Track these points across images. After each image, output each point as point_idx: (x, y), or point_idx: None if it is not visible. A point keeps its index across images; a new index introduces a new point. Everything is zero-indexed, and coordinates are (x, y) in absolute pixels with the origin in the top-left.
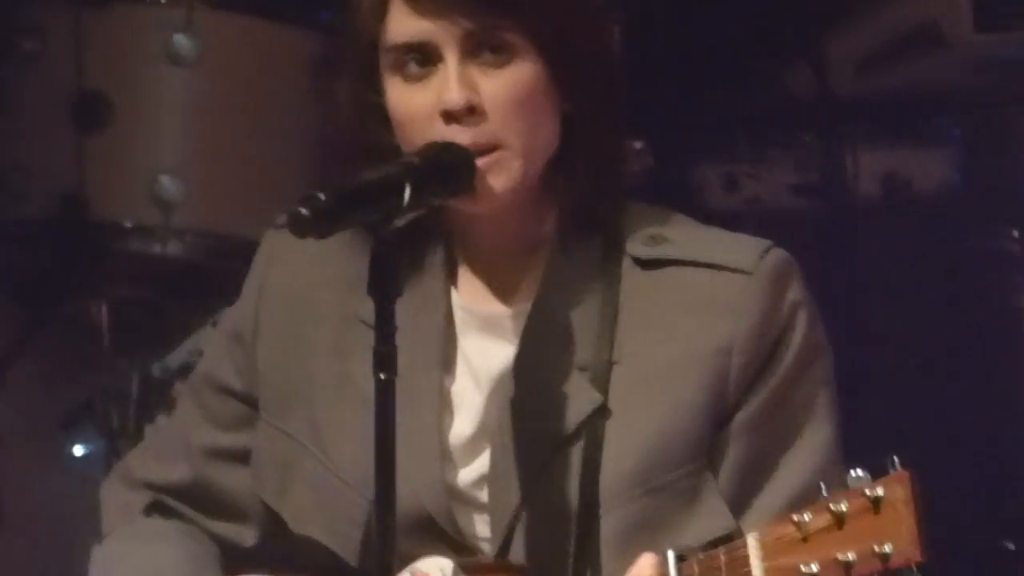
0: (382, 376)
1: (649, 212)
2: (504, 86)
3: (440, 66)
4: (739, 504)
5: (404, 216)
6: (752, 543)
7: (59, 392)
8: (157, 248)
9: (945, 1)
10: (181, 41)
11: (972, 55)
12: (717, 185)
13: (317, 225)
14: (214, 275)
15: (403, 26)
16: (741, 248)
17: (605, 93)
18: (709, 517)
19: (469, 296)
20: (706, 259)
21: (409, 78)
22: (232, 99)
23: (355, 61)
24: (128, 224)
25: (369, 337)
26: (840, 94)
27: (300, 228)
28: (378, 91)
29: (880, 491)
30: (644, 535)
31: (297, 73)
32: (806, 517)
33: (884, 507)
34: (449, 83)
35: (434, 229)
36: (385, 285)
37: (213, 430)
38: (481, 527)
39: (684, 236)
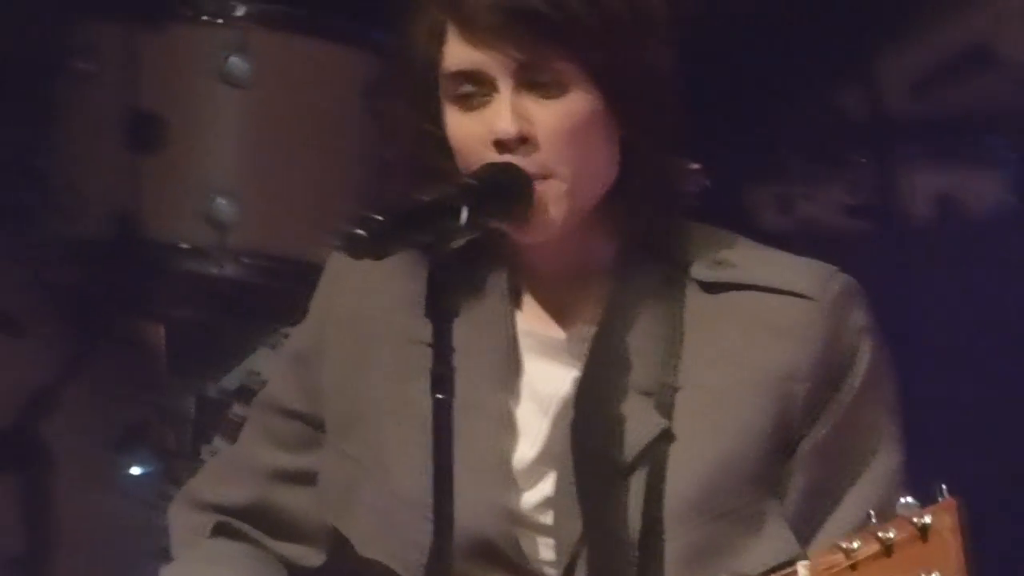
0: (439, 396)
1: (714, 235)
2: (557, 117)
3: (495, 95)
4: (805, 531)
5: (461, 238)
6: (802, 571)
7: (115, 413)
8: (212, 269)
9: (999, 21)
10: (236, 62)
11: None
12: (771, 206)
13: (373, 246)
14: (269, 296)
15: (458, 55)
16: (806, 273)
17: (663, 119)
18: (773, 543)
19: (533, 319)
20: (771, 283)
21: (465, 106)
22: (287, 120)
23: (413, 86)
24: (183, 245)
25: (428, 359)
26: (894, 115)
27: (356, 249)
28: (436, 115)
29: (928, 519)
30: (708, 561)
31: (351, 93)
32: (855, 544)
33: (932, 535)
34: (502, 113)
35: (497, 252)
36: (442, 306)
37: (277, 451)
38: (545, 551)
39: (749, 260)
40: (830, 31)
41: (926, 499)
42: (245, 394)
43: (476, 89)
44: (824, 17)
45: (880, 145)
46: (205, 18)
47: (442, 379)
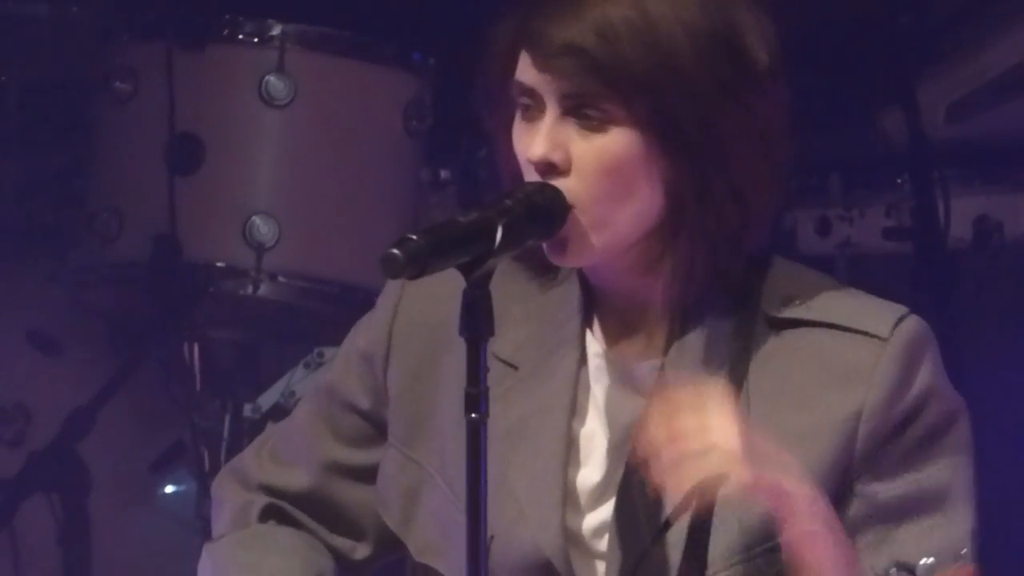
0: (472, 416)
1: (788, 270)
2: (593, 152)
3: (544, 115)
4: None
5: (497, 258)
6: None
7: (151, 433)
8: (249, 290)
9: None
10: (274, 82)
11: None
12: (810, 229)
13: (409, 267)
14: (306, 317)
15: (522, 68)
16: (878, 313)
17: (720, 171)
18: None
19: (604, 342)
20: (841, 322)
21: (524, 116)
22: (324, 140)
23: (494, 88)
24: (220, 265)
25: (502, 373)
26: (932, 138)
27: (392, 270)
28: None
29: None
30: None
31: (390, 114)
32: None
33: None
34: (538, 136)
35: (572, 270)
36: (476, 327)
37: (337, 444)
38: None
39: (821, 297)
40: (869, 54)
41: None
42: (280, 413)
43: (532, 104)
44: (863, 40)
45: (918, 168)
46: (242, 38)
47: (475, 398)
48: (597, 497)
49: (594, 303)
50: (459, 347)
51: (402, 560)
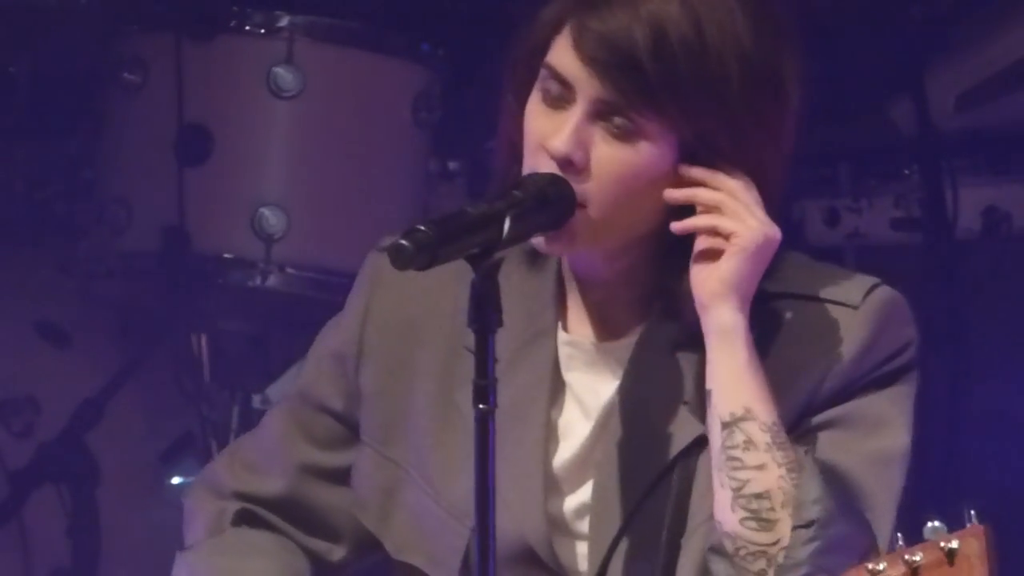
0: (481, 407)
1: None
2: (616, 159)
3: (570, 107)
4: None
5: (504, 249)
6: None
7: (160, 424)
8: (258, 281)
9: None
10: (282, 73)
11: None
12: (818, 219)
13: (418, 258)
14: (314, 307)
15: (560, 55)
16: (849, 284)
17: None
18: None
19: (577, 330)
20: (813, 292)
21: (547, 99)
22: (333, 131)
23: (524, 56)
24: (229, 257)
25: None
26: (941, 129)
27: (401, 261)
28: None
29: (955, 544)
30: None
31: (398, 105)
32: (881, 566)
33: (959, 560)
34: (563, 130)
35: (547, 261)
36: (485, 317)
37: (310, 447)
38: (581, 557)
39: (793, 271)
40: (879, 45)
41: (955, 522)
42: None
43: (561, 91)
44: (872, 30)
45: (927, 158)
46: (250, 29)
47: (484, 390)
48: (577, 479)
49: (569, 290)
50: (432, 344)
51: (387, 565)
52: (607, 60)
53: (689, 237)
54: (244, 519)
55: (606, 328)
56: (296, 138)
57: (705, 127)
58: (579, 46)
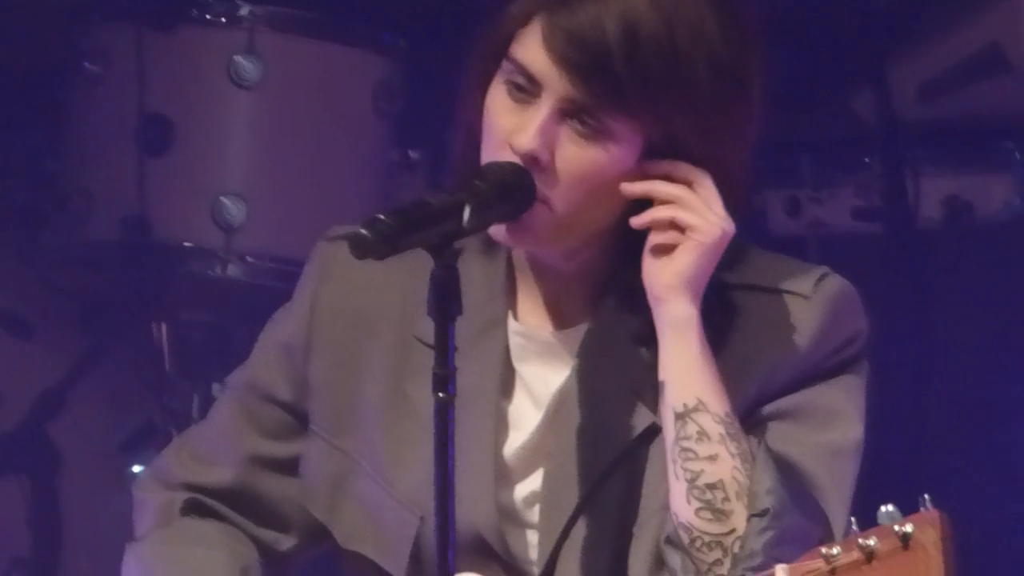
0: (440, 395)
1: None
2: (582, 159)
3: (536, 103)
4: None
5: (463, 238)
6: (781, 574)
7: (121, 414)
8: (218, 270)
9: (1007, 26)
10: (243, 63)
11: None
12: (779, 209)
13: (379, 247)
14: (274, 297)
15: (528, 50)
16: (799, 274)
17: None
18: None
19: (528, 320)
20: (763, 283)
21: (511, 93)
22: (294, 121)
23: (488, 48)
24: (189, 246)
25: (427, 357)
26: (903, 118)
27: (362, 250)
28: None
29: (909, 528)
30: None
31: (359, 95)
32: (835, 551)
33: (913, 546)
34: (528, 127)
35: (498, 250)
36: (445, 307)
37: (259, 438)
38: (532, 547)
39: (742, 262)
40: (840, 34)
41: (910, 508)
42: None
43: (526, 86)
44: (834, 20)
45: (888, 148)
46: (211, 19)
47: (443, 379)
48: (527, 468)
49: (520, 280)
50: (382, 335)
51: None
52: (578, 60)
53: (647, 231)
54: (193, 509)
55: (558, 318)
56: (257, 128)
57: (674, 128)
58: (549, 43)
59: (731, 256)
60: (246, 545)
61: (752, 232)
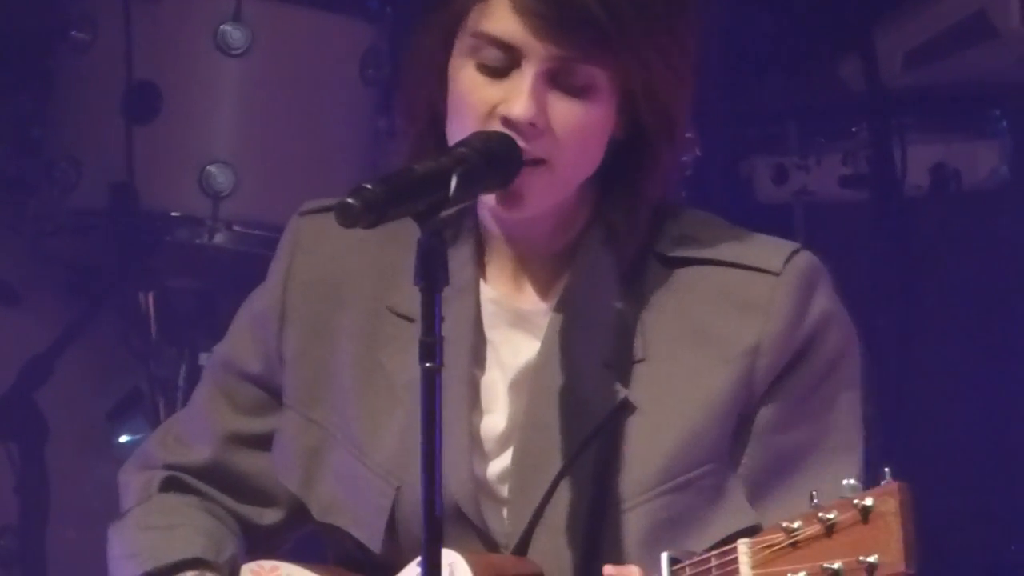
0: (427, 365)
1: (681, 213)
2: (575, 116)
3: (516, 72)
4: (759, 501)
5: (451, 207)
6: (743, 549)
7: (107, 382)
8: (205, 238)
9: None
10: (230, 31)
11: (1020, 47)
12: (766, 176)
13: (366, 215)
14: (261, 265)
15: (500, 21)
16: (770, 249)
17: (672, 131)
18: (731, 514)
19: (498, 290)
20: (733, 259)
21: (483, 69)
22: (281, 89)
23: (440, 24)
24: (176, 214)
25: (400, 328)
26: (889, 86)
27: (349, 218)
28: (446, 55)
29: (869, 501)
30: (668, 532)
31: (347, 63)
32: (796, 524)
33: (873, 518)
34: (521, 96)
35: (466, 221)
36: (432, 276)
37: (236, 415)
38: (506, 522)
39: (711, 236)
40: (827, 1)
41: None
42: None
43: (502, 58)
44: None
45: (875, 115)
46: None
47: (430, 347)
48: (501, 443)
49: (489, 251)
50: (354, 306)
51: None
52: (557, 16)
53: (617, 166)
54: (172, 486)
55: (531, 290)
56: (244, 95)
57: (652, 72)
58: (522, 8)
59: (692, 229)
60: (222, 517)
61: (739, 200)
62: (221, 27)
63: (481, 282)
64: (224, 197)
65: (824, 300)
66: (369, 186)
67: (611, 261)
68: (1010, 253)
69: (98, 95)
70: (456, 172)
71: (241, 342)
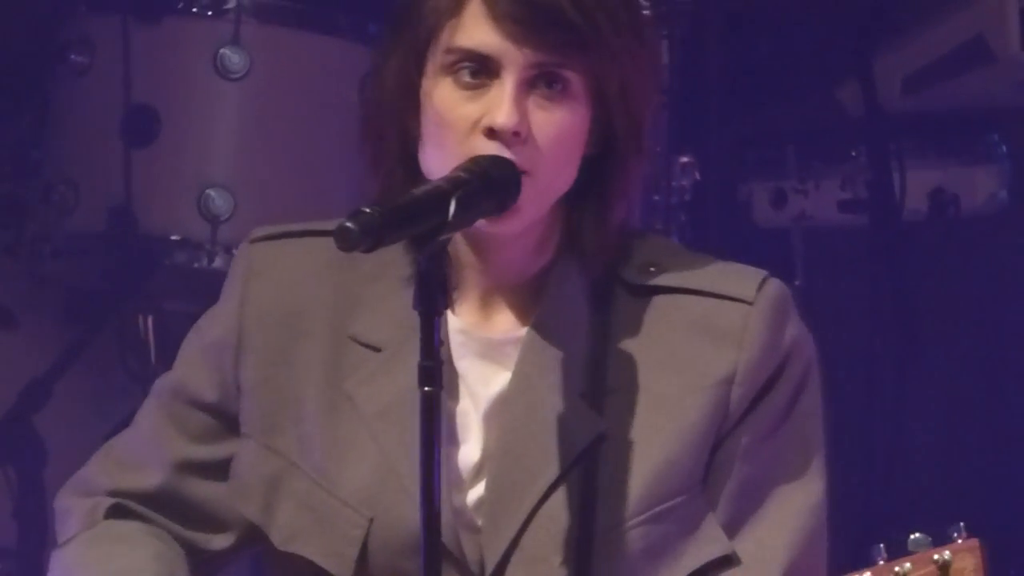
0: (427, 389)
1: (650, 241)
2: (555, 122)
3: (495, 83)
4: (732, 528)
5: (449, 231)
6: None
7: (106, 406)
8: (204, 262)
9: (993, 18)
10: (229, 55)
11: (1019, 72)
12: (765, 201)
13: (364, 239)
14: None
15: (474, 33)
16: (738, 277)
17: (640, 143)
18: (705, 544)
19: (466, 320)
20: (702, 287)
21: (460, 84)
22: (280, 113)
23: (410, 45)
24: (175, 238)
25: (364, 356)
26: (888, 110)
27: (347, 242)
28: (418, 76)
29: (947, 556)
30: (642, 562)
31: (345, 87)
32: None
33: (953, 573)
34: (504, 105)
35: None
36: (431, 300)
37: (187, 442)
38: (481, 553)
39: (678, 264)
40: (825, 26)
41: (940, 536)
42: None
43: (478, 70)
44: (819, 11)
45: (874, 140)
46: (197, 11)
47: (429, 371)
48: (475, 473)
49: (456, 281)
50: (317, 333)
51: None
52: (533, 21)
53: (590, 180)
54: (117, 513)
55: (500, 320)
56: (243, 119)
57: (625, 74)
58: (496, 17)
59: (660, 257)
60: (171, 544)
61: (738, 224)
62: (220, 51)
63: (448, 313)
64: (223, 221)
65: (793, 327)
66: (367, 210)
67: (582, 288)
68: (1009, 278)
69: (97, 118)
70: (455, 196)
71: (193, 370)
